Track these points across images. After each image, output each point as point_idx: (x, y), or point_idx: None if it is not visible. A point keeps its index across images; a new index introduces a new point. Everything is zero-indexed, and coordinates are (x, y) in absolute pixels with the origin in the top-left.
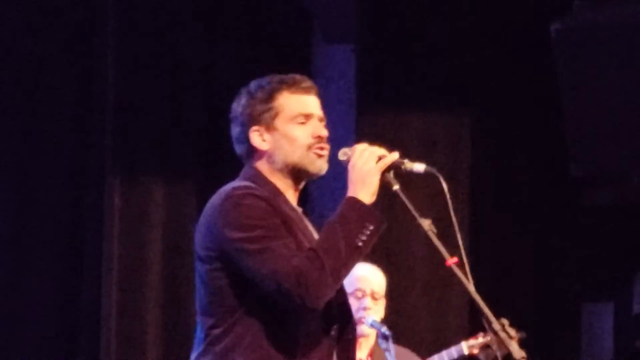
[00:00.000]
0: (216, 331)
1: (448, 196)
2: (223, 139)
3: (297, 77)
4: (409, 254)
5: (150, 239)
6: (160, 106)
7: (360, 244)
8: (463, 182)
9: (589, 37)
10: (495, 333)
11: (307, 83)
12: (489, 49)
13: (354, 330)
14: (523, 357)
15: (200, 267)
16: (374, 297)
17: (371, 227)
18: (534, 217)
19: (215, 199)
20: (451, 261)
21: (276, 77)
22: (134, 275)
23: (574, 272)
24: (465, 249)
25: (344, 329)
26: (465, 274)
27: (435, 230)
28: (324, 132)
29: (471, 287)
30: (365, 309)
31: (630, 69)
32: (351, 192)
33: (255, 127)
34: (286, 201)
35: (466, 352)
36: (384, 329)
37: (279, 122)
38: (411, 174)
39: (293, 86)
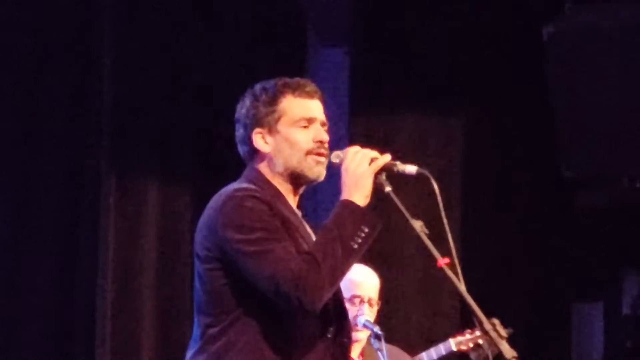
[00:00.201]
0: (212, 330)
1: (439, 197)
2: (219, 140)
3: (302, 81)
4: (401, 255)
5: (146, 240)
6: (157, 108)
7: (355, 246)
8: (455, 183)
9: (581, 39)
10: (486, 333)
11: (311, 87)
12: (483, 51)
13: (350, 332)
14: (514, 357)
15: (199, 267)
16: (370, 304)
17: (366, 230)
18: (526, 218)
19: (217, 199)
20: (442, 262)
21: (281, 81)
22: (130, 275)
23: (564, 273)
24: (457, 250)
25: (340, 331)
26: (456, 274)
27: (427, 232)
28: (325, 137)
29: (462, 287)
30: (361, 315)
31: (622, 72)
32: (345, 195)
33: (258, 129)
34: (286, 204)
35: (454, 348)
36: (377, 329)
37: (281, 125)
38: (403, 175)
39: (297, 90)
